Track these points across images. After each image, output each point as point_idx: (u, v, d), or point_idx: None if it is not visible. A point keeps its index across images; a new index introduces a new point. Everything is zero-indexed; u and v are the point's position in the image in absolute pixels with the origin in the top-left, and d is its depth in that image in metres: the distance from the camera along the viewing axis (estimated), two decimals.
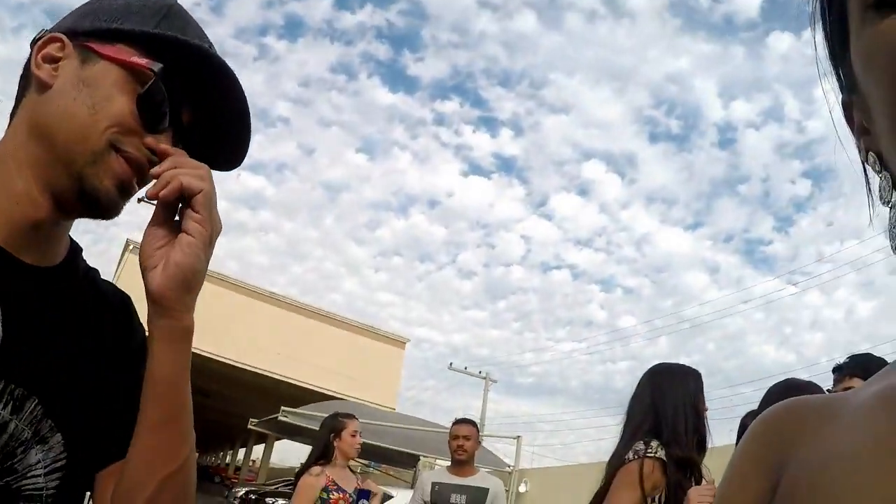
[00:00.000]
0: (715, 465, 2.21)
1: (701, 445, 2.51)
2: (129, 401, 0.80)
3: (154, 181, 0.80)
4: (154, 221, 0.82)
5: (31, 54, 0.82)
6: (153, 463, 0.77)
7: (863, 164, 0.57)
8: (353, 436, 4.23)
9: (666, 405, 2.49)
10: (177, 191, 0.78)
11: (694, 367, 2.69)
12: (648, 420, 2.48)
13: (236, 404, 33.02)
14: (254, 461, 46.55)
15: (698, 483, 2.39)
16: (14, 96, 0.85)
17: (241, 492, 24.27)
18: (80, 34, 0.82)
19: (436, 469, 5.50)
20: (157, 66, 0.81)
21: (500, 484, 4.57)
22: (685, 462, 2.38)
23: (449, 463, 4.68)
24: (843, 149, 0.59)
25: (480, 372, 26.12)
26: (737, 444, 0.81)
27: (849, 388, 2.58)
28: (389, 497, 12.02)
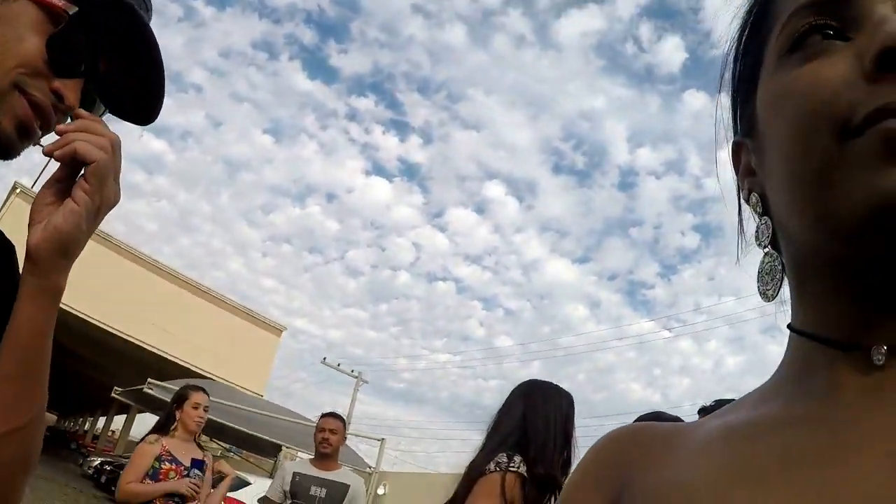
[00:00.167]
0: None
1: (566, 467, 2.49)
2: None
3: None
4: (53, 177, 0.81)
5: None
6: None
7: (738, 202, 0.60)
8: (196, 408, 4.11)
9: (537, 422, 2.48)
10: (70, 155, 0.78)
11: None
12: (515, 434, 2.46)
13: (102, 371, 31.76)
14: (113, 431, 44.61)
15: None
16: None
17: (97, 461, 23.32)
18: None
19: (297, 460, 5.43)
20: (72, 10, 0.80)
21: (360, 482, 4.58)
22: (548, 481, 2.37)
23: (312, 456, 4.65)
24: (731, 209, 0.61)
25: (353, 371, 26.07)
26: None
27: None
28: (246, 483, 11.82)
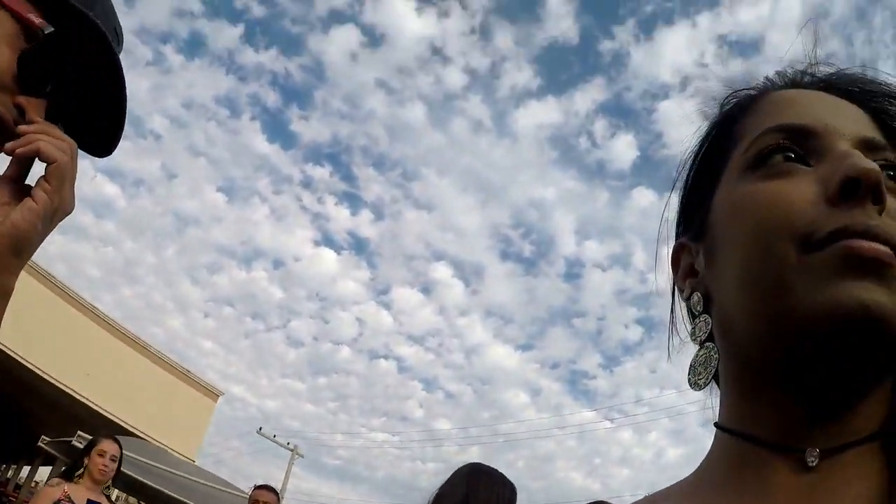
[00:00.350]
0: None
1: None
2: None
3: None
4: (9, 174, 0.81)
5: None
6: None
7: (672, 301, 0.65)
8: (101, 455, 4.08)
9: None
10: (33, 152, 0.78)
11: None
12: None
13: (30, 416, 30.38)
14: (37, 482, 42.71)
15: None
16: None
17: None
18: None
19: None
20: (48, 29, 0.80)
21: None
22: None
23: None
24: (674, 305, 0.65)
25: (289, 443, 25.50)
26: None
27: None
28: None
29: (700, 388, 0.55)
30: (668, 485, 0.59)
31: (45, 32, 0.79)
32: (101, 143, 0.93)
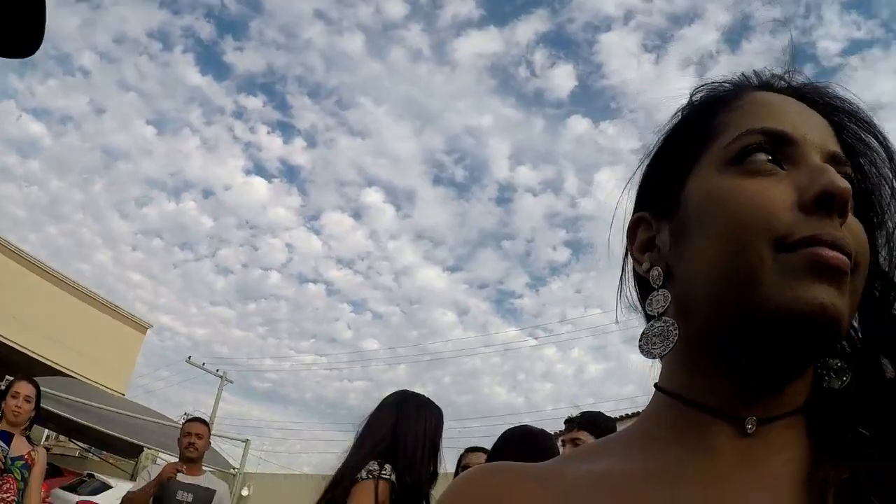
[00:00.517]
0: (438, 491, 2.27)
1: (433, 478, 2.64)
2: None
3: None
4: None
5: None
6: None
7: (622, 269, 0.68)
8: (15, 397, 4.06)
9: (408, 434, 2.58)
10: None
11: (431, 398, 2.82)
12: (386, 442, 2.55)
13: None
14: None
15: None
16: None
17: None
18: None
19: (160, 463, 5.51)
20: None
21: (225, 487, 4.72)
22: (414, 490, 2.50)
23: (175, 458, 4.73)
24: (613, 234, 0.67)
25: (218, 370, 25.58)
26: (455, 476, 0.87)
27: (576, 438, 3.02)
28: (108, 487, 11.55)
29: (653, 358, 0.57)
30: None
31: None
32: (23, 40, 0.81)
